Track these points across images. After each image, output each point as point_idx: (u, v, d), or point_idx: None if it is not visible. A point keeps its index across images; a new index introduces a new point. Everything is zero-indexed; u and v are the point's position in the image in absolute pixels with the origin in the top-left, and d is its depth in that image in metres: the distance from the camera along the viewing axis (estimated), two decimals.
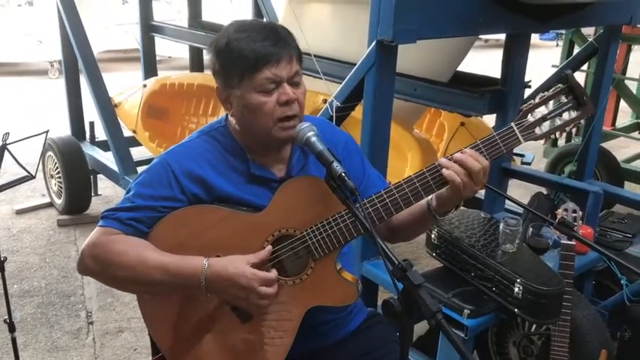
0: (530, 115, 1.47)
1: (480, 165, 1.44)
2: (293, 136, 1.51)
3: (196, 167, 1.53)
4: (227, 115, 1.60)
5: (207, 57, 1.57)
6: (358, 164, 1.71)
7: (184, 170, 1.53)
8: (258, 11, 5.55)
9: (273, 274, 1.47)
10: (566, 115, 1.47)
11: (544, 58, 7.34)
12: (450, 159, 1.47)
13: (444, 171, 1.45)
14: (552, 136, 1.51)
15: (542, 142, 5.57)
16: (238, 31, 1.47)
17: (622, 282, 2.72)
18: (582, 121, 1.52)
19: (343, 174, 1.38)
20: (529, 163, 4.38)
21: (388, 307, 1.27)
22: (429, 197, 1.54)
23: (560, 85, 1.46)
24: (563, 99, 1.46)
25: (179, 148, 1.59)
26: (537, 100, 1.46)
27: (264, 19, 5.37)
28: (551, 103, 1.47)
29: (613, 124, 6.08)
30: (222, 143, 1.58)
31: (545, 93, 1.47)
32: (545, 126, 1.47)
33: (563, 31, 5.93)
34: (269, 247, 1.50)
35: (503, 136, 1.47)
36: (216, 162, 1.56)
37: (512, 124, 1.47)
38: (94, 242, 1.50)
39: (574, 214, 2.27)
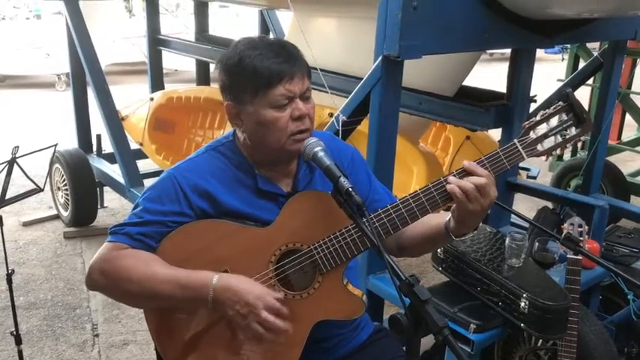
0: (532, 132, 1.49)
1: (484, 179, 1.44)
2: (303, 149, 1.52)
3: (203, 182, 1.54)
4: (234, 130, 1.61)
5: (215, 74, 1.58)
6: (364, 177, 1.72)
7: (192, 185, 1.53)
8: (264, 25, 5.60)
9: (281, 306, 1.47)
10: (566, 133, 1.49)
11: (549, 72, 7.36)
12: (455, 175, 1.48)
13: (447, 186, 1.46)
14: (554, 153, 1.53)
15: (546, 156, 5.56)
16: (250, 48, 1.48)
17: (629, 297, 2.72)
18: (586, 135, 1.53)
19: (350, 189, 1.40)
20: (535, 177, 4.38)
21: (395, 323, 1.27)
22: (447, 218, 1.54)
23: (560, 102, 1.49)
24: (564, 116, 1.49)
25: (186, 164, 1.60)
26: (539, 117, 1.49)
27: (271, 33, 5.41)
28: (552, 120, 1.49)
29: (619, 138, 6.08)
30: (230, 158, 1.59)
31: (547, 110, 1.50)
32: (547, 143, 1.50)
33: (569, 45, 5.94)
34: (281, 294, 1.50)
35: (506, 152, 1.49)
36: (224, 177, 1.57)
37: (516, 140, 1.50)
38: (103, 257, 1.51)
39: (580, 229, 2.27)
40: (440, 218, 1.57)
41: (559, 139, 1.49)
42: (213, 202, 1.54)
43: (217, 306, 1.47)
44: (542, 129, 1.48)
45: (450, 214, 1.53)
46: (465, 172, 1.47)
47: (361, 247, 1.51)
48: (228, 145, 1.61)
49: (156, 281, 1.47)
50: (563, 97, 1.48)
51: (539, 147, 1.49)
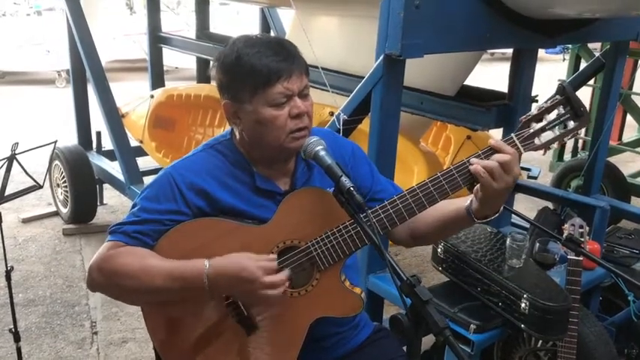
0: (529, 126, 1.48)
1: (508, 156, 1.43)
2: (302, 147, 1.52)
3: (200, 180, 1.54)
4: (232, 128, 1.61)
5: (212, 72, 1.57)
6: (366, 170, 1.72)
7: (188, 184, 1.53)
8: (265, 23, 5.60)
9: (274, 258, 1.48)
10: (564, 126, 1.48)
11: (550, 72, 7.35)
12: (478, 156, 1.46)
13: (471, 167, 1.45)
14: (553, 147, 1.52)
15: (548, 156, 5.56)
16: (247, 46, 1.48)
17: (629, 298, 2.71)
18: (584, 134, 1.53)
19: (352, 188, 1.39)
20: (535, 178, 4.37)
21: (396, 323, 1.27)
22: (467, 202, 1.53)
23: (557, 96, 1.47)
24: (561, 110, 1.47)
25: (183, 162, 1.60)
26: (536, 111, 1.48)
27: (272, 31, 5.40)
28: (550, 114, 1.48)
29: (619, 138, 6.07)
30: (228, 156, 1.59)
31: (543, 104, 1.49)
32: (544, 137, 1.48)
33: (570, 46, 5.94)
34: (274, 256, 1.51)
35: None
36: (221, 175, 1.56)
37: (513, 134, 1.49)
38: (101, 256, 1.51)
39: (581, 230, 2.26)
40: (457, 203, 1.56)
41: (557, 132, 1.48)
42: (210, 200, 1.54)
43: (218, 291, 1.48)
44: (539, 123, 1.47)
45: (472, 197, 1.51)
46: (491, 151, 1.45)
47: (359, 243, 1.51)
48: (226, 143, 1.61)
49: (151, 275, 1.47)
50: (560, 90, 1.47)
51: (536, 141, 1.47)
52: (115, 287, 1.52)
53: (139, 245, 1.52)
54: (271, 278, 1.45)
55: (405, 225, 1.55)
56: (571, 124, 1.47)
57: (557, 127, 1.48)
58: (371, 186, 1.70)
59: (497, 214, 1.53)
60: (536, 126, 1.47)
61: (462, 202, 1.55)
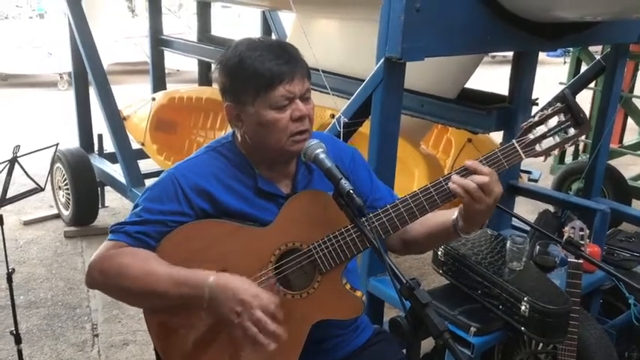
0: (530, 132, 1.50)
1: (487, 178, 1.44)
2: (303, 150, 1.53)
3: (204, 182, 1.55)
4: (233, 131, 1.61)
5: (214, 74, 1.58)
6: (366, 176, 1.73)
7: (192, 185, 1.54)
8: (266, 26, 5.61)
9: (276, 309, 1.45)
10: (564, 133, 1.50)
11: (551, 75, 7.35)
12: (458, 173, 1.48)
13: (450, 185, 1.47)
14: (554, 153, 1.54)
15: (549, 159, 5.56)
16: (250, 50, 1.49)
17: (630, 301, 2.71)
18: (585, 138, 1.55)
19: (351, 191, 1.40)
20: (536, 180, 4.37)
21: (396, 326, 1.27)
22: (454, 216, 1.55)
23: (558, 103, 1.49)
24: (562, 117, 1.50)
25: (186, 163, 1.60)
26: (537, 118, 1.50)
27: (273, 34, 5.41)
28: (550, 121, 1.50)
29: (620, 141, 6.07)
30: (230, 159, 1.59)
31: (544, 111, 1.51)
32: (545, 143, 1.50)
33: (571, 49, 5.94)
34: (277, 298, 1.48)
35: (505, 152, 1.50)
36: (224, 177, 1.57)
37: (514, 140, 1.51)
38: (102, 255, 1.51)
39: (581, 233, 2.26)
40: (446, 215, 1.58)
41: (557, 139, 1.50)
42: (213, 201, 1.54)
43: (213, 304, 1.45)
44: (540, 129, 1.49)
45: (457, 213, 1.53)
46: (468, 171, 1.47)
47: (360, 246, 1.51)
48: (228, 145, 1.62)
49: (153, 279, 1.47)
50: (560, 98, 1.49)
51: (537, 147, 1.50)
52: (115, 287, 1.52)
53: (141, 246, 1.52)
54: (261, 315, 1.41)
55: (398, 232, 1.56)
56: (571, 131, 1.50)
57: (557, 134, 1.50)
58: (370, 192, 1.70)
59: (482, 228, 1.57)
60: (537, 132, 1.50)
61: (450, 214, 1.57)
